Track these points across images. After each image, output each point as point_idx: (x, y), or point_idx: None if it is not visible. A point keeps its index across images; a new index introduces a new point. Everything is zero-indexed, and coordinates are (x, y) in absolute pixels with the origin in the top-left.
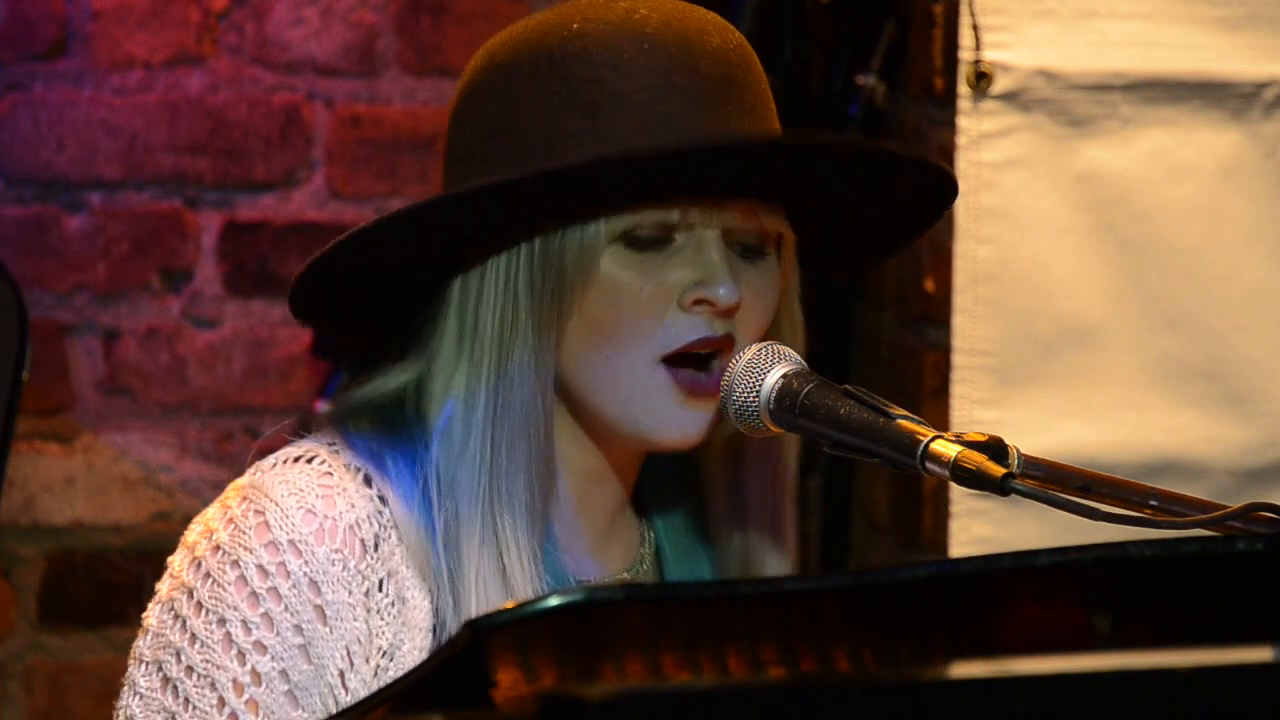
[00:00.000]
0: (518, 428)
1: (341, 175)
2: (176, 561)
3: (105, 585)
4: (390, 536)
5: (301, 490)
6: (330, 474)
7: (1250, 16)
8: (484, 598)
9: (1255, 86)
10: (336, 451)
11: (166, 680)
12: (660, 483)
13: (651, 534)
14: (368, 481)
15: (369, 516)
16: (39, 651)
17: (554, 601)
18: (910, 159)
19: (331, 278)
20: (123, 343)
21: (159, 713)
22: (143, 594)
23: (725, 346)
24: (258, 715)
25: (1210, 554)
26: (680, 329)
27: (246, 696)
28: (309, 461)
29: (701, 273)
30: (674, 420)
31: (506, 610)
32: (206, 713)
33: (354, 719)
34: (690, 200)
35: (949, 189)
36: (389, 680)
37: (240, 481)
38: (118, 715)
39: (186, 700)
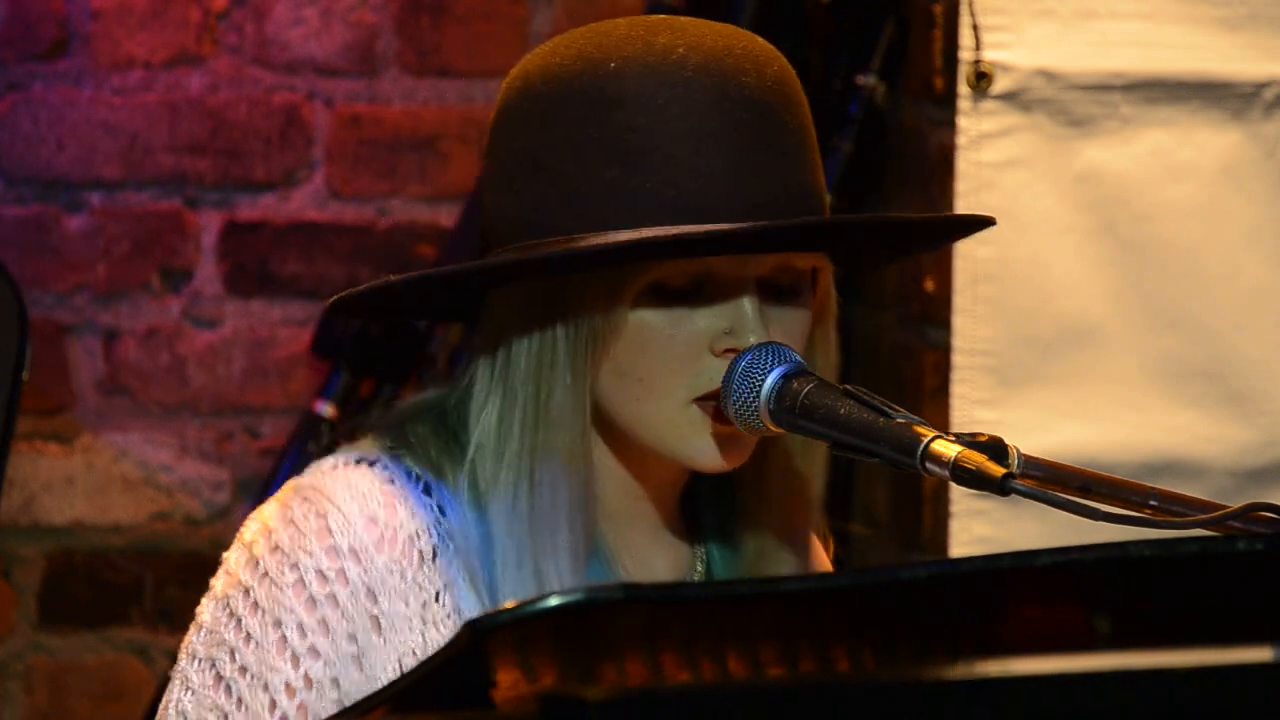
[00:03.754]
0: (559, 469)
1: (341, 175)
2: (232, 559)
3: (105, 585)
4: (449, 548)
5: (364, 495)
6: (393, 480)
7: (1250, 16)
8: None
9: (1255, 86)
10: (398, 456)
11: (220, 678)
12: (715, 507)
13: (705, 555)
14: (428, 490)
15: (429, 527)
16: (39, 651)
17: (553, 601)
18: (953, 222)
19: (361, 309)
20: (123, 343)
21: (211, 710)
22: (143, 594)
23: None
24: (308, 718)
25: (1210, 554)
26: (713, 374)
27: (298, 700)
28: (371, 465)
29: (731, 321)
30: (709, 447)
31: (506, 610)
32: (258, 713)
33: (354, 719)
34: (720, 255)
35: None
36: None
37: (299, 481)
38: (166, 708)
39: (239, 700)
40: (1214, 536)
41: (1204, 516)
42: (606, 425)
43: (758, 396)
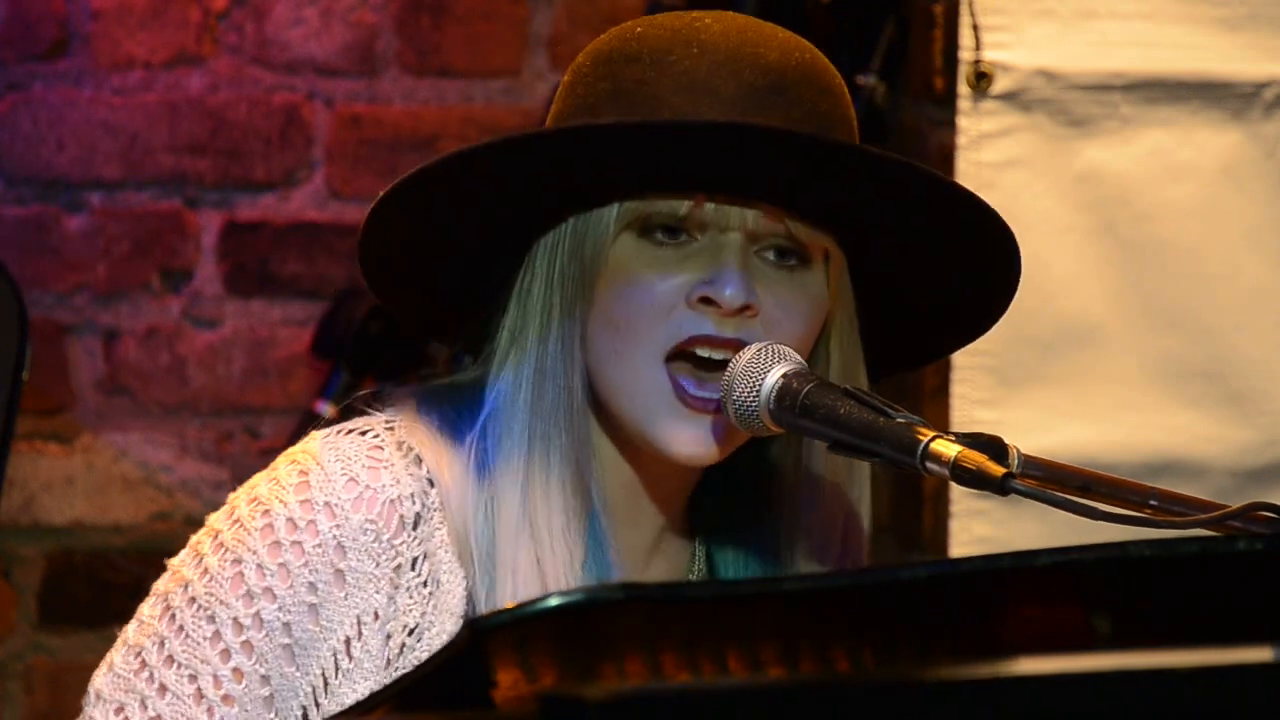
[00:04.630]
0: (551, 417)
1: (341, 175)
2: (214, 516)
3: (105, 585)
4: (433, 518)
5: (348, 458)
6: (381, 448)
7: (1250, 16)
8: (519, 586)
9: (1255, 86)
10: (392, 429)
11: (168, 608)
12: (720, 509)
13: (704, 558)
14: (418, 462)
15: (413, 495)
16: (39, 651)
17: (554, 601)
18: (945, 184)
19: (389, 246)
20: (123, 343)
21: (150, 636)
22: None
23: (732, 349)
24: (250, 658)
25: (1210, 554)
26: (684, 323)
27: (244, 638)
28: (362, 434)
29: (711, 271)
30: (673, 429)
31: (506, 610)
32: (198, 643)
33: (354, 719)
34: (706, 194)
35: (1003, 235)
36: (414, 660)
37: (292, 449)
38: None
39: (181, 628)
40: (1214, 536)
41: (1204, 516)
42: (601, 413)
43: (758, 395)
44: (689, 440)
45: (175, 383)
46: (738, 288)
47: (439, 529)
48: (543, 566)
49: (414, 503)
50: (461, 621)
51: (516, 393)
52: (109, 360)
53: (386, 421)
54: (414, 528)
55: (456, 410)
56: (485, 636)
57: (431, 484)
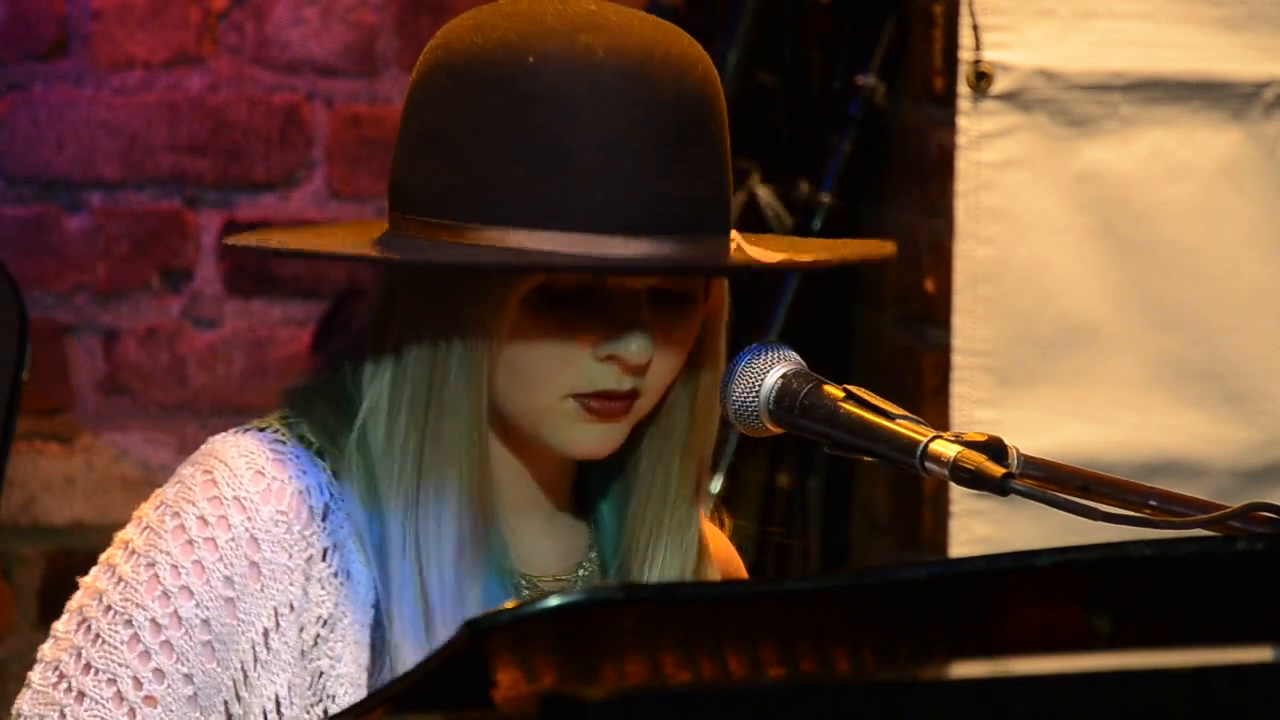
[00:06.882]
0: (449, 457)
1: (341, 175)
2: (123, 530)
3: None
4: (340, 510)
5: (252, 453)
6: (283, 443)
7: (1250, 16)
8: (409, 597)
9: (1255, 86)
10: (289, 424)
11: (83, 621)
12: (605, 487)
13: (597, 537)
14: (321, 454)
15: (319, 485)
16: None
17: (554, 602)
18: (844, 262)
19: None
20: (123, 343)
21: (66, 650)
22: None
23: (631, 397)
24: (171, 658)
25: (1210, 554)
26: (591, 377)
27: (163, 638)
28: (261, 431)
29: (616, 328)
30: (580, 437)
31: (506, 610)
32: (115, 648)
33: (353, 719)
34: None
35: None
36: (328, 650)
37: (192, 455)
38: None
39: (97, 636)
40: (1214, 536)
41: (1204, 516)
42: (496, 414)
43: (757, 396)
44: (594, 444)
45: (175, 383)
46: (641, 345)
47: (345, 521)
48: (429, 583)
49: (321, 493)
50: (373, 613)
51: (396, 413)
52: (109, 360)
53: (283, 418)
54: (323, 518)
55: (339, 408)
56: (485, 636)
57: (336, 475)
